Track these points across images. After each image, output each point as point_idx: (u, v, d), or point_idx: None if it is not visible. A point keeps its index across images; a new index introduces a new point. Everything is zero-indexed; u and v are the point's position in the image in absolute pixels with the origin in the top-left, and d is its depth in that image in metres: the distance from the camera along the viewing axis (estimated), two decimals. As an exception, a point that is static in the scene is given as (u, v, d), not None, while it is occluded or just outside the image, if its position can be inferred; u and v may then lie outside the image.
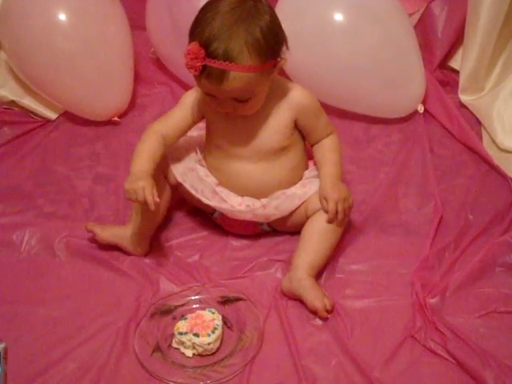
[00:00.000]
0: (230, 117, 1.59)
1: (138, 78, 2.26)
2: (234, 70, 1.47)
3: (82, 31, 2.05)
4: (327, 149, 1.68)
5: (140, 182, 1.54)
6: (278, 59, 1.55)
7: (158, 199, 1.54)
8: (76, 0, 2.07)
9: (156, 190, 1.55)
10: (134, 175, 1.57)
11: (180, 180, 1.68)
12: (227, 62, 1.46)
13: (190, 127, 1.70)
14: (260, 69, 1.50)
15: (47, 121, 2.18)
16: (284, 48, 1.55)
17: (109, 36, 2.11)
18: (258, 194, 1.67)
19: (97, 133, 2.13)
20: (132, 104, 2.21)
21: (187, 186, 1.67)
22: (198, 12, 1.53)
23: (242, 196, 1.67)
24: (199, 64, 1.46)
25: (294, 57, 1.59)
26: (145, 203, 1.54)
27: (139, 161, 1.61)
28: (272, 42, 1.51)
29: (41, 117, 2.19)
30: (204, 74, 1.48)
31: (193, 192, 1.67)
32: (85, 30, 2.05)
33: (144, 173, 1.57)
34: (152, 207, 1.54)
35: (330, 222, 1.60)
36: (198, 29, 1.49)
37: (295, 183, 1.69)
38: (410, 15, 2.18)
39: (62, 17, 2.03)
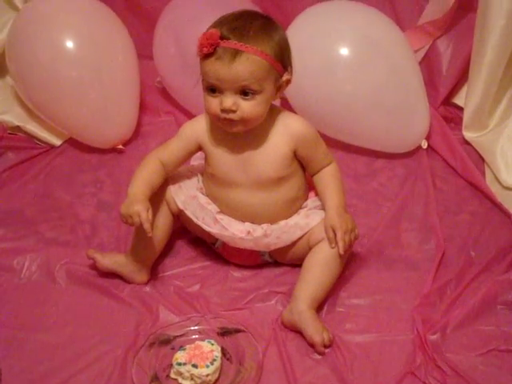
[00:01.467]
0: (229, 123, 1.57)
1: (143, 107, 2.27)
2: (247, 51, 1.48)
3: (88, 59, 2.06)
4: (329, 178, 1.67)
5: (135, 206, 1.55)
6: (285, 72, 1.56)
7: (151, 219, 1.56)
8: (83, 28, 2.08)
9: (151, 213, 1.57)
10: (129, 198, 1.59)
11: (181, 207, 1.68)
12: (241, 43, 1.48)
13: (187, 157, 1.71)
14: (271, 60, 1.51)
15: (51, 147, 2.19)
16: (291, 65, 1.57)
17: (115, 64, 2.12)
18: (257, 221, 1.67)
19: (101, 160, 2.14)
20: (136, 132, 2.22)
21: (188, 213, 1.67)
22: None
23: (243, 222, 1.67)
24: (214, 42, 1.48)
25: (298, 90, 1.59)
26: (141, 227, 1.56)
27: (135, 184, 1.62)
28: (283, 47, 1.54)
29: (45, 143, 2.19)
30: (216, 54, 1.49)
31: (194, 219, 1.67)
32: (91, 58, 2.06)
33: (139, 195, 1.59)
34: (149, 234, 1.56)
35: (340, 253, 1.59)
36: (211, 25, 1.52)
37: (295, 212, 1.69)
38: (416, 51, 2.20)
39: (69, 44, 2.04)
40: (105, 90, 2.08)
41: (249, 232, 1.65)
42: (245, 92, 1.51)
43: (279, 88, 1.57)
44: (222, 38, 1.48)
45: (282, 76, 1.56)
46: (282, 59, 1.54)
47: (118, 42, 2.14)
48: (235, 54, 1.48)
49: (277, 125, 1.62)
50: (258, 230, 1.66)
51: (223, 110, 1.53)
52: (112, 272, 1.71)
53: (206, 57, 1.50)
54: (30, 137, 2.20)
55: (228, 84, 1.51)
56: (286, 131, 1.62)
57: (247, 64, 1.49)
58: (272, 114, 1.61)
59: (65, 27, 2.06)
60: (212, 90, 1.53)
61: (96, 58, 2.07)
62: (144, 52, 2.26)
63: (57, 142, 2.19)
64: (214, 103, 1.54)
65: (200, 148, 1.68)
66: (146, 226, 1.55)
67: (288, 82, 1.58)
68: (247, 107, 1.53)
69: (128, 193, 1.61)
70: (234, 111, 1.52)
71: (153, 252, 1.71)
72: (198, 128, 1.66)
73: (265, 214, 1.67)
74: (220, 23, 1.52)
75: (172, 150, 1.67)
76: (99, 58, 2.07)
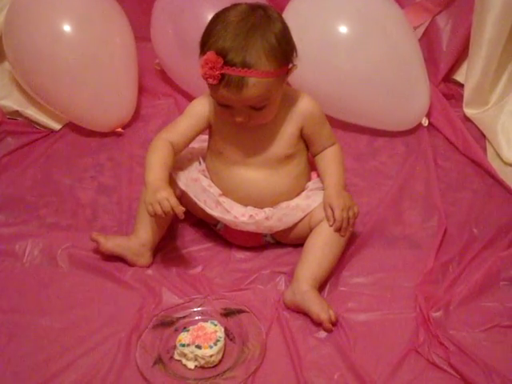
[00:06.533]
0: (241, 126, 1.59)
1: (142, 90, 2.26)
2: (253, 76, 1.47)
3: (86, 42, 2.05)
4: (331, 159, 1.69)
5: (162, 193, 1.54)
6: (291, 65, 1.56)
7: (182, 208, 1.55)
8: (80, 11, 2.07)
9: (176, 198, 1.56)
10: (151, 186, 1.57)
11: (183, 188, 1.67)
12: (246, 69, 1.47)
13: (196, 135, 1.70)
14: (277, 74, 1.51)
15: (51, 131, 2.18)
16: (294, 54, 1.57)
17: (113, 47, 2.10)
18: (261, 203, 1.67)
19: (100, 144, 2.13)
20: (136, 115, 2.21)
21: (190, 195, 1.67)
22: (207, 24, 1.54)
23: (246, 206, 1.67)
24: (218, 73, 1.47)
25: (298, 69, 1.59)
26: (168, 213, 1.54)
27: (153, 171, 1.60)
28: (286, 47, 1.53)
29: (44, 127, 2.18)
30: (223, 83, 1.48)
31: (196, 201, 1.66)
32: (89, 41, 2.05)
33: (160, 182, 1.57)
34: (182, 216, 1.55)
35: (335, 230, 1.60)
36: (212, 39, 1.50)
37: (298, 193, 1.69)
38: (415, 28, 2.19)
39: (67, 28, 2.03)
40: (103, 73, 2.07)
41: (251, 216, 1.65)
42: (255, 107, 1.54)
43: (288, 76, 1.59)
44: (225, 63, 1.47)
45: (288, 71, 1.56)
46: (286, 58, 1.54)
47: (115, 25, 2.13)
48: (242, 82, 1.47)
49: (285, 102, 1.62)
50: (261, 214, 1.66)
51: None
52: (115, 255, 1.71)
53: None
54: (30, 121, 2.19)
55: (238, 105, 1.52)
56: (295, 109, 1.63)
57: (254, 89, 1.49)
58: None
59: (61, 10, 2.05)
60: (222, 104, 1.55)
61: (93, 40, 2.05)
62: (141, 34, 2.24)
63: (56, 126, 2.18)
64: (226, 113, 1.56)
65: (209, 125, 1.67)
66: (178, 209, 1.54)
67: (295, 67, 1.58)
68: (259, 116, 1.56)
69: (147, 181, 1.59)
70: (247, 121, 1.55)
71: (156, 235, 1.70)
72: (207, 105, 1.65)
73: (268, 194, 1.67)
74: (217, 40, 1.48)
75: (180, 128, 1.67)
76: (96, 41, 2.06)
